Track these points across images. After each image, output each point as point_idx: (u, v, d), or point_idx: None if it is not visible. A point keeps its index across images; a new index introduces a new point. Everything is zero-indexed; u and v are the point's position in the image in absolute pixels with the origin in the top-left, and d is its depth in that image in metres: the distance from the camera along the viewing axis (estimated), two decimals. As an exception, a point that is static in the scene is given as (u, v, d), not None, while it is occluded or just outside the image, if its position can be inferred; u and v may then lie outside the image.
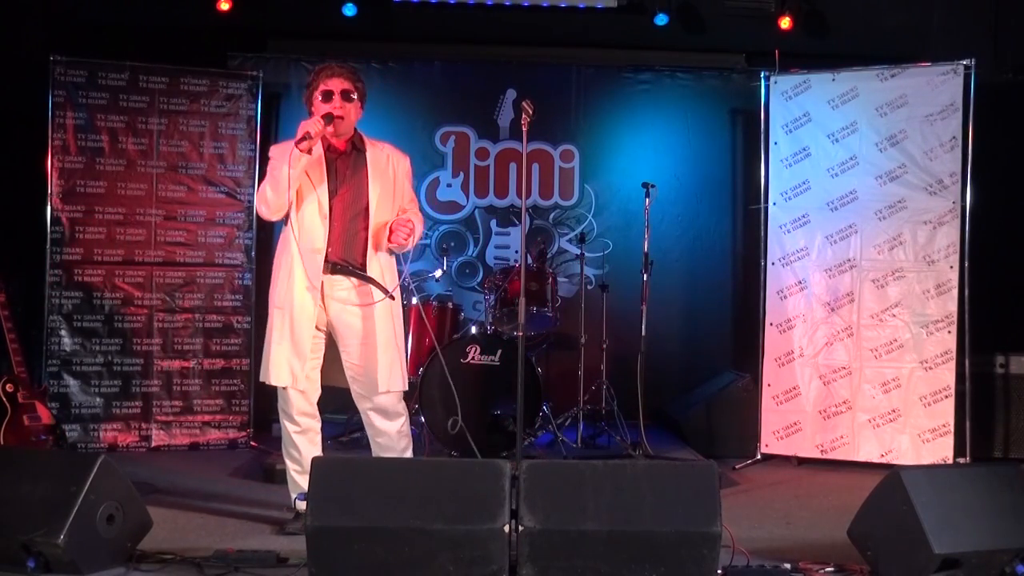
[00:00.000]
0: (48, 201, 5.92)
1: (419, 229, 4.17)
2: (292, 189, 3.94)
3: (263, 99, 6.37)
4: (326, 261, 4.02)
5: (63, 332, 5.94)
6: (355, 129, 4.17)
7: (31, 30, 6.39)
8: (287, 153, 3.92)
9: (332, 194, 4.04)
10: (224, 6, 6.54)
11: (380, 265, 4.10)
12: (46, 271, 5.91)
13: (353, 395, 4.17)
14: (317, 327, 4.08)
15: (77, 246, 5.99)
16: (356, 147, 4.14)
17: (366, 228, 4.07)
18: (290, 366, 4.02)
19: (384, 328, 4.08)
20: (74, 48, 6.03)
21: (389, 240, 4.05)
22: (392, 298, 4.13)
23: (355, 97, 4.08)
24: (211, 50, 6.59)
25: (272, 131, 6.85)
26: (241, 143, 6.27)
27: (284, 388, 4.06)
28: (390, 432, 4.15)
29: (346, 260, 4.05)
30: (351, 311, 4.07)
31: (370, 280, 4.06)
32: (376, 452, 4.21)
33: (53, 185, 5.93)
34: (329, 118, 3.97)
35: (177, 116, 6.16)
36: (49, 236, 5.93)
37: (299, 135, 3.90)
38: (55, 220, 5.94)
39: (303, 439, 4.11)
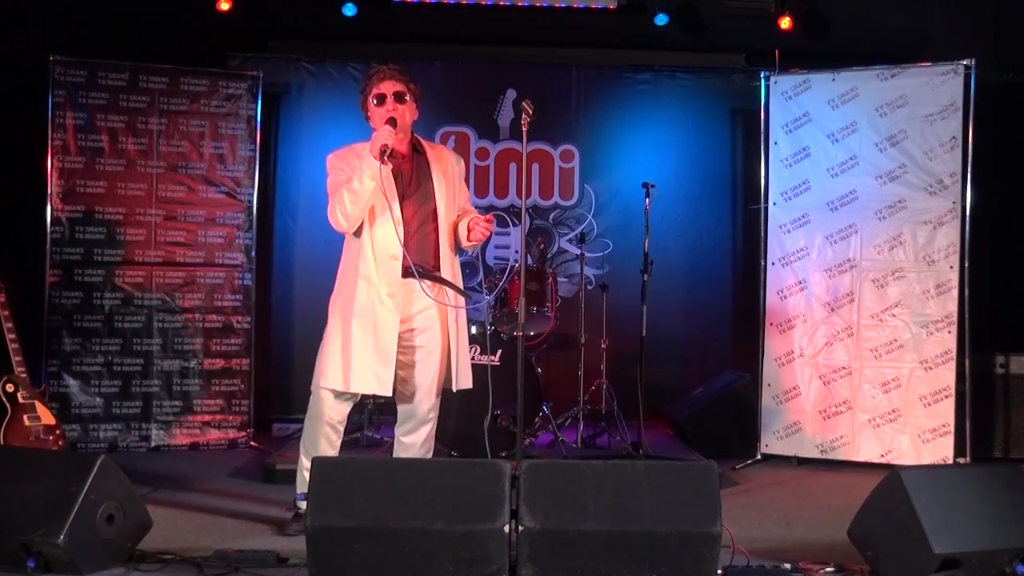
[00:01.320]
0: (48, 201, 5.93)
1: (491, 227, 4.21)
2: (371, 202, 3.94)
3: (263, 99, 6.37)
4: (402, 266, 4.02)
5: (63, 332, 5.95)
6: (411, 131, 4.18)
7: (31, 30, 6.38)
8: (348, 161, 3.96)
9: (402, 199, 4.04)
10: (224, 6, 6.53)
11: (452, 266, 4.13)
12: (46, 271, 5.92)
13: (398, 396, 4.16)
14: None
15: (77, 246, 5.99)
16: (416, 149, 4.16)
17: (436, 230, 4.08)
18: (376, 374, 3.99)
19: (459, 328, 4.14)
20: (74, 48, 6.04)
21: (468, 238, 4.09)
22: (469, 297, 4.18)
23: (408, 98, 4.07)
24: (211, 50, 6.58)
25: (272, 131, 6.86)
26: (241, 143, 6.28)
27: (332, 396, 4.03)
28: (422, 435, 4.19)
29: (420, 264, 4.04)
30: (428, 314, 4.09)
31: (444, 282, 4.09)
32: (398, 453, 4.22)
33: (53, 185, 5.94)
34: (393, 123, 3.96)
35: (177, 116, 6.17)
36: (49, 236, 5.93)
37: (377, 148, 3.86)
38: (55, 220, 5.94)
39: (326, 442, 4.09)
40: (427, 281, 4.06)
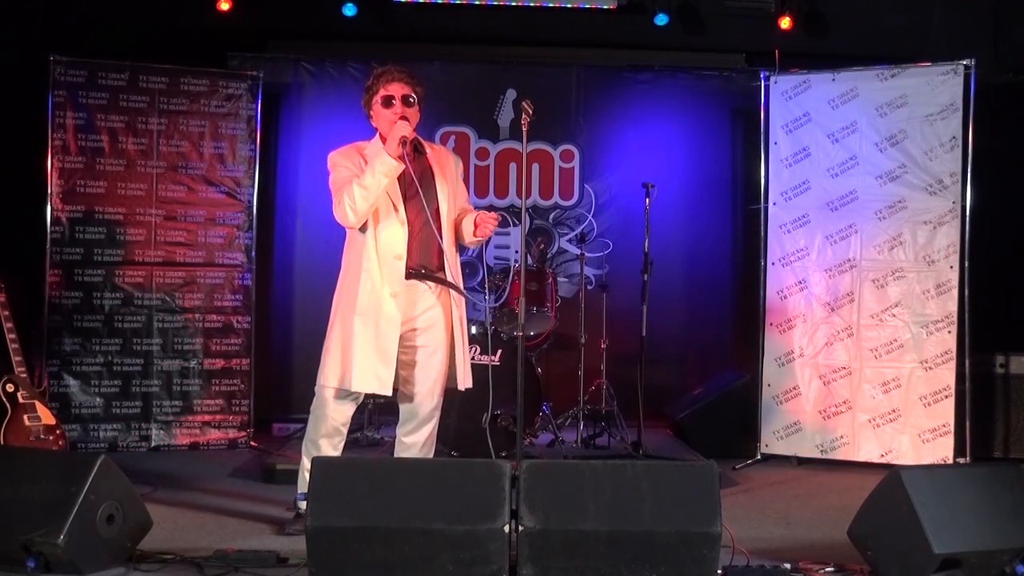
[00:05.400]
0: (48, 201, 5.92)
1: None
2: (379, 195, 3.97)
3: (263, 99, 6.37)
4: (406, 267, 4.02)
5: (63, 332, 5.94)
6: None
7: (31, 30, 6.38)
8: (351, 158, 4.00)
9: (405, 199, 4.04)
10: (224, 6, 6.54)
11: (452, 267, 4.12)
12: (46, 271, 5.91)
13: (400, 396, 4.16)
14: None
15: (77, 246, 5.98)
16: (418, 150, 4.14)
17: (439, 231, 4.07)
18: (376, 373, 3.99)
19: (462, 328, 4.15)
20: (74, 48, 6.03)
21: (475, 234, 4.07)
22: (469, 298, 4.19)
23: (414, 101, 4.07)
24: (211, 50, 6.58)
25: (272, 131, 6.86)
26: (241, 143, 6.27)
27: (333, 395, 4.03)
28: (423, 435, 4.18)
29: (423, 265, 4.06)
30: (431, 314, 4.09)
31: (447, 283, 4.10)
32: (399, 453, 4.21)
33: (53, 185, 5.93)
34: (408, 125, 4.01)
35: (177, 116, 6.16)
36: (49, 236, 5.93)
37: (396, 141, 3.89)
38: (55, 220, 5.94)
39: (327, 443, 4.10)
40: (430, 282, 4.07)
